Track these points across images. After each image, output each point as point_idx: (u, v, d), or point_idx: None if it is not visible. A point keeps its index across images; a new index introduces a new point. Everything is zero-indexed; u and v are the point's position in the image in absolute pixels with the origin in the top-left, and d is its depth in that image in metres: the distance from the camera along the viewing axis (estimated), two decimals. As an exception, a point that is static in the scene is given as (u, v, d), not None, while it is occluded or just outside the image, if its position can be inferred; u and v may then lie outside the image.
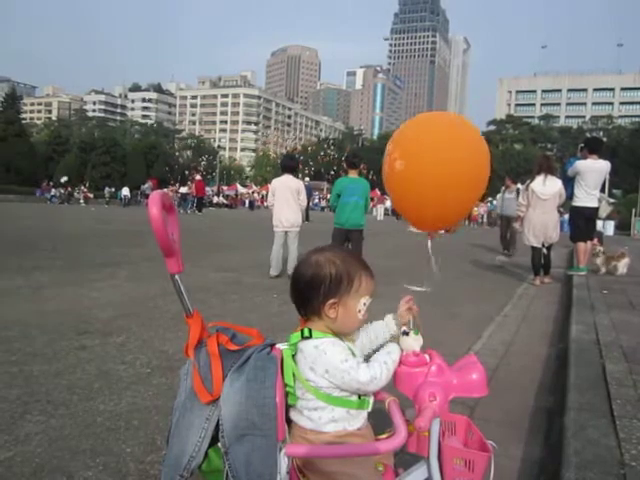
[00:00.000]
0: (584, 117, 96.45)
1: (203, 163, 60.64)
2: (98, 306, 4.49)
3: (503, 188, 11.55)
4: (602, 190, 7.58)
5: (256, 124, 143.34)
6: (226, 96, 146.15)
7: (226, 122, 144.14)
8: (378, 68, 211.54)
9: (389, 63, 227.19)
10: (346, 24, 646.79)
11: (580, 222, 7.05)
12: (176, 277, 1.23)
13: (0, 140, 39.14)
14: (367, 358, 1.28)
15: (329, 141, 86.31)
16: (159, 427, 2.21)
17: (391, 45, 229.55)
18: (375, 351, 1.31)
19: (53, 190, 35.41)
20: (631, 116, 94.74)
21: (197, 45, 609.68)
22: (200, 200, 27.20)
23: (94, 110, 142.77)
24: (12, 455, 1.95)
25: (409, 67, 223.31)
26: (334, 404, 1.21)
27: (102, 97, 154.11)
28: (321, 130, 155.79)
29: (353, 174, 6.33)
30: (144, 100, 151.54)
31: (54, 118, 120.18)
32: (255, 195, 45.58)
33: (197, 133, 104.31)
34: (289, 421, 1.25)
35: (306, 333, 1.24)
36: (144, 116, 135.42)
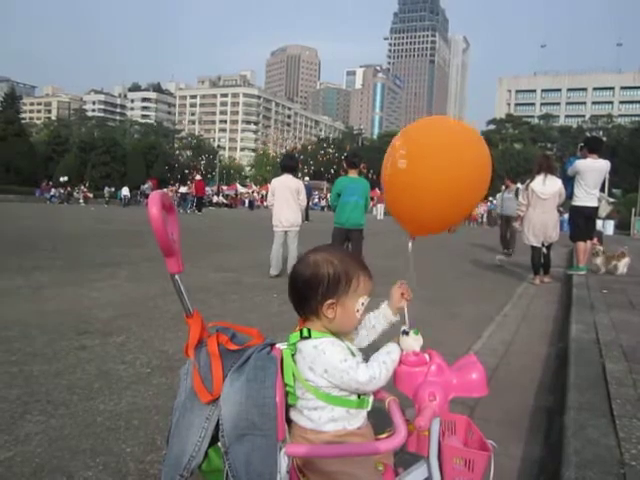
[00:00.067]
0: (584, 116, 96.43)
1: (203, 163, 60.66)
2: (98, 306, 4.49)
3: (503, 188, 11.55)
4: (602, 189, 7.59)
5: (256, 124, 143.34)
6: (226, 96, 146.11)
7: (226, 122, 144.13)
8: (378, 68, 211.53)
9: (389, 63, 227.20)
10: (346, 24, 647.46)
11: (580, 221, 7.05)
12: (176, 277, 1.23)
13: (0, 140, 39.15)
14: (367, 358, 1.28)
15: (329, 140, 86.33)
16: (159, 427, 2.22)
17: (391, 45, 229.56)
18: (377, 346, 1.31)
19: (53, 190, 35.44)
20: (631, 115, 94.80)
21: (197, 45, 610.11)
22: (200, 200, 27.21)
23: (94, 110, 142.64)
24: (12, 455, 1.95)
25: (409, 67, 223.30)
26: (333, 403, 1.21)
27: (102, 97, 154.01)
28: (321, 130, 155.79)
29: (353, 174, 6.33)
30: (144, 100, 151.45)
31: (54, 118, 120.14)
32: (255, 195, 45.56)
33: (197, 133, 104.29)
34: (289, 421, 1.25)
35: (305, 333, 1.24)
36: (144, 116, 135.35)
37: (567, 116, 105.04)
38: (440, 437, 1.25)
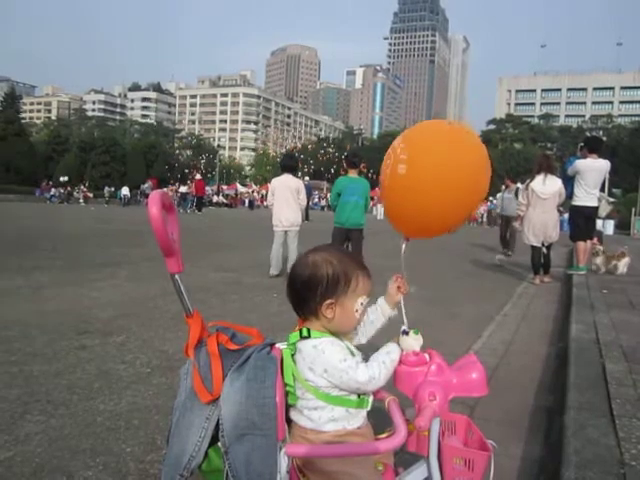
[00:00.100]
0: (584, 116, 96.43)
1: (203, 162, 60.66)
2: (98, 306, 4.49)
3: (503, 187, 11.55)
4: (602, 189, 7.59)
5: (256, 123, 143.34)
6: (226, 95, 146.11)
7: (226, 121, 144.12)
8: (378, 67, 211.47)
9: (389, 62, 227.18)
10: (346, 23, 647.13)
11: (580, 221, 7.05)
12: (176, 277, 1.23)
13: (0, 139, 39.15)
14: (367, 358, 1.28)
15: (329, 140, 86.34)
16: (159, 427, 2.22)
17: (391, 44, 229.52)
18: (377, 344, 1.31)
19: (53, 190, 35.45)
20: (631, 115, 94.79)
21: (197, 45, 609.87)
22: (200, 199, 27.21)
23: (94, 110, 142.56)
24: (12, 455, 1.95)
25: (409, 66, 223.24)
26: (333, 403, 1.21)
27: (102, 97, 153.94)
28: (321, 129, 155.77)
29: (353, 173, 6.33)
30: (144, 100, 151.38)
31: (54, 118, 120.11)
32: (255, 194, 45.56)
33: (197, 132, 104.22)
34: (289, 421, 1.25)
35: (305, 333, 1.24)
36: (144, 115, 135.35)
37: (567, 116, 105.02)
38: (440, 437, 1.25)
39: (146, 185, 35.36)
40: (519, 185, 9.93)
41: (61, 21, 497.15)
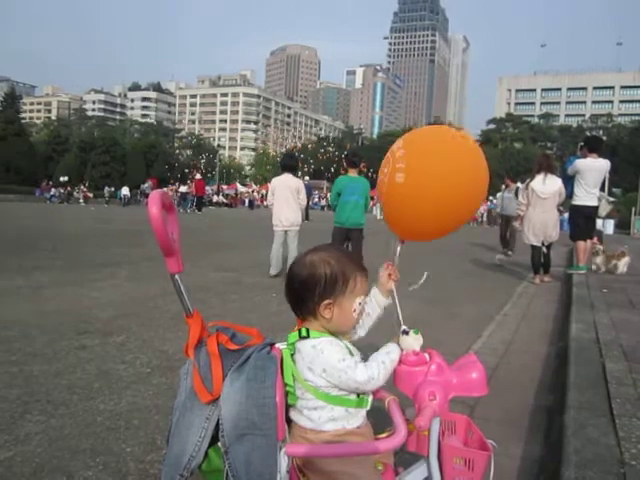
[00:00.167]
0: (584, 116, 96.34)
1: (203, 162, 60.64)
2: (98, 306, 4.49)
3: (503, 187, 11.54)
4: (602, 189, 7.59)
5: (256, 123, 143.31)
6: (226, 95, 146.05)
7: (226, 121, 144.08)
8: (378, 67, 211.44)
9: (389, 62, 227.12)
10: (346, 23, 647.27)
11: (580, 221, 7.05)
12: (176, 277, 1.23)
13: (0, 140, 39.15)
14: (366, 357, 1.27)
15: (329, 139, 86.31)
16: (159, 427, 2.22)
17: (391, 44, 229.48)
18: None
19: (53, 190, 35.43)
20: (631, 114, 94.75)
21: (197, 45, 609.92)
22: (200, 199, 27.20)
23: (94, 109, 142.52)
24: (12, 455, 1.95)
25: (409, 66, 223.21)
26: (333, 403, 1.21)
27: (102, 96, 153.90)
28: (321, 129, 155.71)
29: (353, 173, 6.33)
30: (144, 99, 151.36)
31: (54, 117, 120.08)
32: (255, 194, 45.56)
33: (197, 132, 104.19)
34: (289, 421, 1.25)
35: (304, 333, 1.24)
36: (144, 115, 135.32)
37: (567, 115, 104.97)
38: (440, 437, 1.25)
39: (146, 185, 35.36)
40: (519, 184, 9.93)
41: (61, 21, 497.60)
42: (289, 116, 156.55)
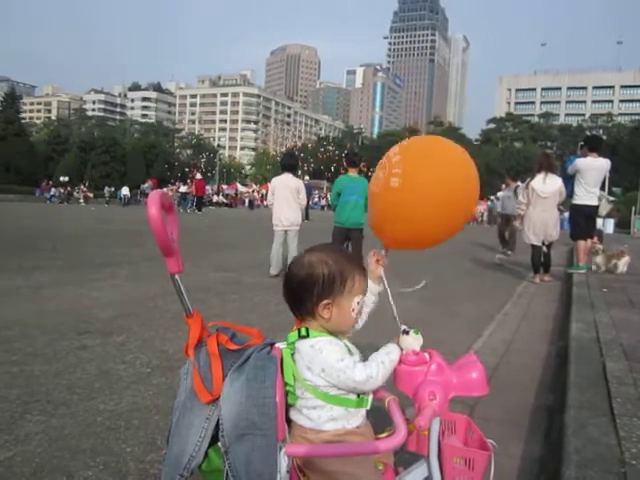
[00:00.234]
0: (584, 115, 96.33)
1: (203, 162, 60.63)
2: (98, 306, 4.49)
3: (504, 186, 11.53)
4: (602, 188, 7.59)
5: (256, 123, 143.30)
6: (226, 95, 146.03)
7: (226, 121, 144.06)
8: (378, 67, 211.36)
9: (389, 62, 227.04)
10: (346, 23, 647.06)
11: (580, 220, 7.05)
12: (176, 277, 1.23)
13: (0, 139, 39.16)
14: (366, 357, 1.27)
15: (329, 139, 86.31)
16: (159, 427, 2.22)
17: (390, 44, 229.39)
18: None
19: (53, 190, 35.44)
20: (631, 114, 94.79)
21: (197, 45, 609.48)
22: (200, 199, 27.19)
23: (94, 109, 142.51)
24: (12, 455, 1.95)
25: (409, 66, 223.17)
26: (332, 402, 1.21)
27: (102, 96, 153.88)
28: (321, 129, 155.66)
29: (353, 173, 6.33)
30: (144, 99, 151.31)
31: (54, 117, 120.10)
32: (255, 194, 45.55)
33: (197, 132, 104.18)
34: (289, 420, 1.25)
35: (303, 332, 1.24)
36: (144, 115, 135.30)
37: (567, 115, 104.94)
38: (440, 436, 1.25)
39: (146, 185, 35.38)
40: (519, 183, 9.92)
41: (61, 21, 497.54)
42: (289, 116, 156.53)
